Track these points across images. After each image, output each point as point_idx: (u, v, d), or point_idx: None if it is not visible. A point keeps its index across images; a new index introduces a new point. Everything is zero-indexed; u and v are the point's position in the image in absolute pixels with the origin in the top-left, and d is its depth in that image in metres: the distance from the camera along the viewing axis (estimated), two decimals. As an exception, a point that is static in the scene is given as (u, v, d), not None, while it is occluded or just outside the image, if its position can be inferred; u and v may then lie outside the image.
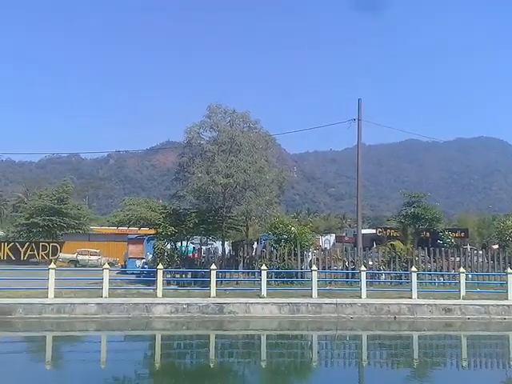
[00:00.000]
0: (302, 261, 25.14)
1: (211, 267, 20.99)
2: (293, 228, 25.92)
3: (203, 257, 25.97)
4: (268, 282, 21.23)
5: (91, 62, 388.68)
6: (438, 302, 20.26)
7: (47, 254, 43.69)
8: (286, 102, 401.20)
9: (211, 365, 14.45)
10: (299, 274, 24.30)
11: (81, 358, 15.35)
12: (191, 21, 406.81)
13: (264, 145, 27.31)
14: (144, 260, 32.40)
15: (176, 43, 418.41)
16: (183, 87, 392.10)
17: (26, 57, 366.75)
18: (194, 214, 26.67)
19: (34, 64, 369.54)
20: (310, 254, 26.04)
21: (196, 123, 26.19)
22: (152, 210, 26.66)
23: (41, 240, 48.38)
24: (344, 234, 56.22)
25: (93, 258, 40.68)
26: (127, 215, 26.49)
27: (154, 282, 21.03)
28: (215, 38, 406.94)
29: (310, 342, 18.23)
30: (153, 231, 28.49)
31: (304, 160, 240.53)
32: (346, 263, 25.96)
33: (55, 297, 19.64)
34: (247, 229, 31.83)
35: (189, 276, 24.27)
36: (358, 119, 29.04)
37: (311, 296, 20.53)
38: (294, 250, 24.80)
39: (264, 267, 21.23)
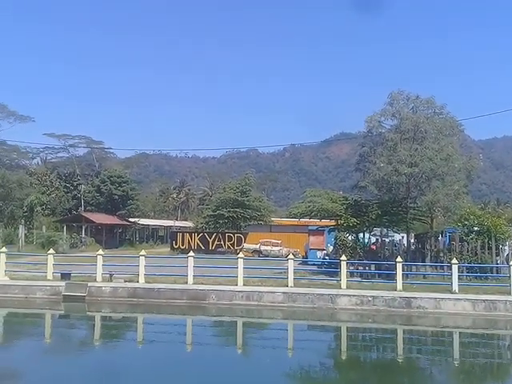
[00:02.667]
0: (498, 255, 23.07)
1: (397, 260, 20.26)
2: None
3: (387, 249, 25.23)
4: (459, 277, 19.90)
5: (267, 60, 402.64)
6: None
7: (233, 245, 46.14)
8: (468, 84, 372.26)
9: (400, 361, 14.00)
10: (494, 269, 22.35)
11: (271, 344, 15.88)
12: (372, 14, 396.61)
13: (450, 131, 25.63)
14: (325, 251, 32.63)
15: (352, 36, 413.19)
16: (357, 79, 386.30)
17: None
18: (376, 205, 26.01)
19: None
20: (506, 247, 23.80)
21: (377, 112, 25.56)
22: (333, 202, 26.61)
23: (226, 231, 51.46)
24: (544, 227, 50.57)
25: (275, 248, 41.85)
26: (309, 207, 26.75)
27: (337, 273, 20.95)
28: (392, 29, 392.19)
29: (508, 343, 16.74)
30: (333, 223, 28.44)
31: (491, 147, 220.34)
32: (551, 258, 23.20)
33: (244, 285, 20.60)
34: (431, 220, 30.16)
35: (372, 268, 23.76)
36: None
37: (510, 293, 18.82)
38: (488, 244, 22.85)
39: (455, 261, 19.93)
